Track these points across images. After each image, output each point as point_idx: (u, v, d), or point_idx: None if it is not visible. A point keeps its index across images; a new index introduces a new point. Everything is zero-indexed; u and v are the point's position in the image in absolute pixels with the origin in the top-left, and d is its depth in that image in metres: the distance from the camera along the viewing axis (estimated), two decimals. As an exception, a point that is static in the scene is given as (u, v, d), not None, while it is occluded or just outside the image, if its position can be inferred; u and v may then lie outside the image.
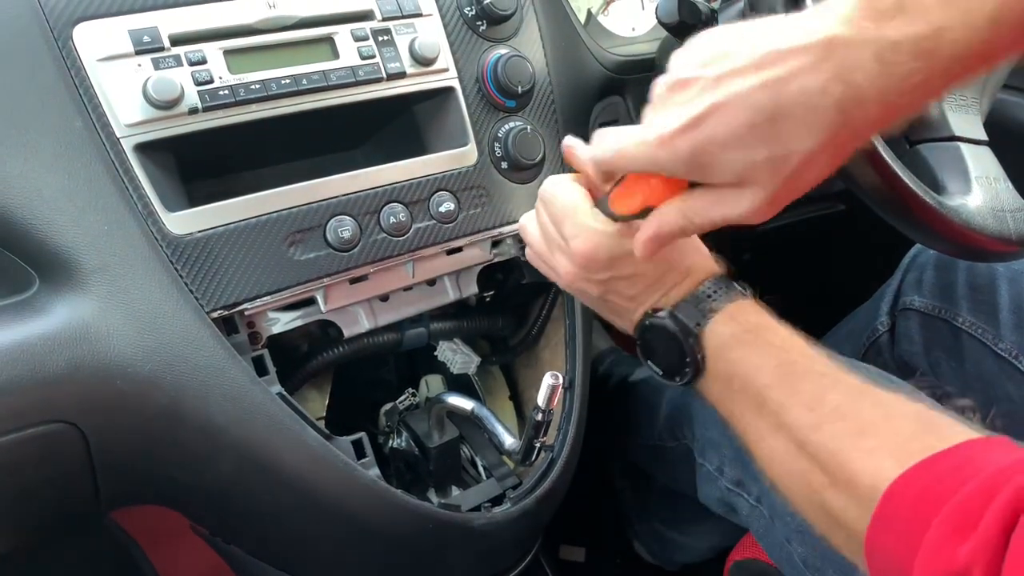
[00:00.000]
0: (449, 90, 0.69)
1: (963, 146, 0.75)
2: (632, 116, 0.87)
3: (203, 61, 0.59)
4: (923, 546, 0.37)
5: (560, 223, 0.58)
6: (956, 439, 0.42)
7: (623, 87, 0.86)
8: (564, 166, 0.75)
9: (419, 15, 0.68)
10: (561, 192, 0.59)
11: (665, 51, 0.82)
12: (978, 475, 0.38)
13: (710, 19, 0.72)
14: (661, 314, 0.56)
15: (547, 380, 0.62)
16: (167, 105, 0.57)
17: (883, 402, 0.47)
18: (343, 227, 0.62)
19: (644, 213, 0.53)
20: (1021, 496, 0.35)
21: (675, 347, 0.55)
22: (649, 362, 0.58)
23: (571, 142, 0.58)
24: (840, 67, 0.43)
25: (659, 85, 0.50)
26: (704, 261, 0.59)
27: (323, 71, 0.63)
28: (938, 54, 0.43)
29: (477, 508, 0.71)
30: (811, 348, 0.53)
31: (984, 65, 0.45)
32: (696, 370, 0.55)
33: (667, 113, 0.48)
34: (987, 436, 0.42)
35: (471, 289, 0.74)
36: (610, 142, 0.52)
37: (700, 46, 0.48)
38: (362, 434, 0.64)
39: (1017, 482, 0.36)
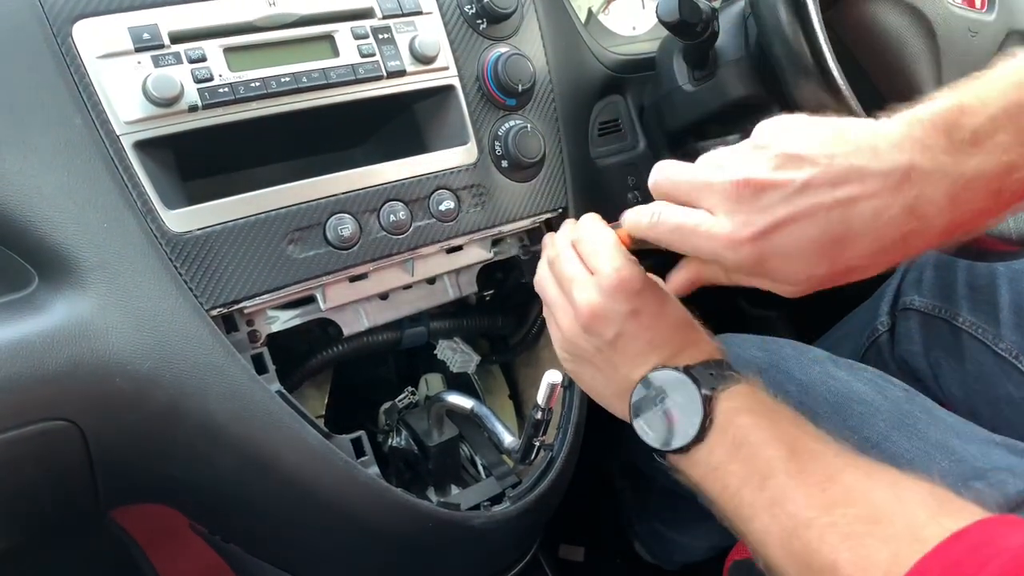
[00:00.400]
0: (449, 88, 0.69)
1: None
2: (632, 115, 0.87)
3: (203, 59, 0.59)
4: None
5: (592, 253, 0.58)
6: (971, 518, 0.41)
7: (623, 86, 0.86)
8: (563, 165, 0.75)
9: (419, 13, 0.68)
10: (597, 229, 0.59)
11: (665, 50, 0.82)
12: (999, 556, 0.37)
13: (711, 18, 0.71)
14: (672, 370, 0.54)
15: (547, 379, 0.62)
16: (167, 103, 0.57)
17: (895, 483, 0.46)
18: (343, 225, 0.62)
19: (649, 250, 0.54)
20: None
21: (687, 404, 0.53)
22: (643, 423, 0.54)
23: (629, 217, 0.56)
24: (914, 200, 0.44)
25: (726, 179, 0.48)
26: (711, 342, 0.58)
27: (323, 69, 0.63)
28: (1005, 192, 0.44)
29: (476, 507, 0.71)
30: (820, 432, 0.51)
31: None
32: (701, 432, 0.51)
33: (739, 215, 0.47)
34: (1000, 515, 0.42)
35: (471, 288, 0.74)
36: (674, 222, 0.50)
37: (782, 145, 0.47)
38: (361, 432, 0.64)
39: None
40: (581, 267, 0.58)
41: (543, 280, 0.61)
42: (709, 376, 0.53)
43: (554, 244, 0.61)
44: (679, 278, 0.55)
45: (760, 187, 0.46)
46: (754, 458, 0.49)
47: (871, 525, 0.44)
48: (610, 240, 0.57)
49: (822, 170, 0.45)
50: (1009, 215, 0.50)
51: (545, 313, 0.62)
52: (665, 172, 0.52)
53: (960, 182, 0.43)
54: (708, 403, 0.52)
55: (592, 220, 0.60)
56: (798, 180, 0.45)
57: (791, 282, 0.48)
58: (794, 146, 0.46)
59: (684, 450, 0.52)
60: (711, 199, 0.48)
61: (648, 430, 0.54)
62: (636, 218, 0.54)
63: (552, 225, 0.75)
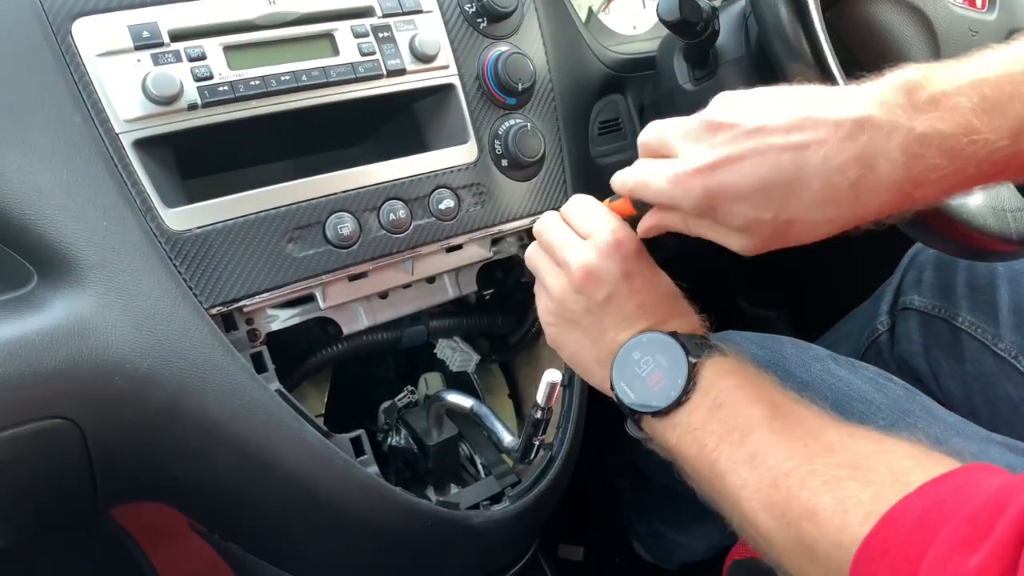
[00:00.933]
0: (449, 87, 0.69)
1: (964, 145, 0.75)
2: (632, 115, 0.87)
3: (203, 57, 0.59)
4: (927, 560, 0.36)
5: (585, 221, 0.58)
6: (953, 466, 0.41)
7: (624, 85, 0.86)
8: (563, 164, 0.75)
9: (419, 12, 0.68)
10: (588, 200, 0.60)
11: (666, 49, 0.82)
12: (980, 495, 0.37)
13: (711, 17, 0.71)
14: (660, 333, 0.55)
15: (547, 378, 0.62)
16: (166, 101, 0.57)
17: (879, 440, 0.46)
18: (342, 224, 0.62)
19: (632, 223, 0.57)
20: None
21: (672, 367, 0.53)
22: (624, 385, 0.54)
23: (615, 181, 0.57)
24: (865, 150, 0.44)
25: (694, 118, 0.50)
26: (696, 318, 0.59)
27: (323, 67, 0.63)
28: (962, 154, 0.43)
29: (476, 506, 0.71)
30: (804, 398, 0.51)
31: (1012, 175, 0.46)
32: (684, 394, 0.52)
33: (691, 152, 0.49)
34: (982, 464, 0.42)
35: (471, 287, 0.74)
36: (638, 172, 0.53)
37: (747, 96, 0.49)
38: (361, 431, 0.64)
39: None
40: (573, 233, 0.59)
41: (533, 252, 0.62)
42: (695, 345, 0.54)
43: (545, 218, 0.62)
44: (645, 222, 0.56)
45: (716, 127, 0.48)
46: (735, 416, 0.50)
47: (853, 470, 0.44)
48: (602, 207, 0.59)
49: (781, 117, 0.46)
50: (979, 189, 0.50)
51: (536, 289, 0.62)
52: (650, 127, 0.54)
53: (913, 136, 0.43)
54: (693, 367, 0.52)
55: (581, 196, 0.61)
56: (754, 122, 0.46)
57: (737, 225, 0.49)
58: (764, 100, 0.48)
59: (664, 412, 0.53)
60: (676, 145, 0.50)
61: (629, 391, 0.54)
62: (620, 179, 0.56)
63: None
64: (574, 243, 0.58)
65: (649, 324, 0.56)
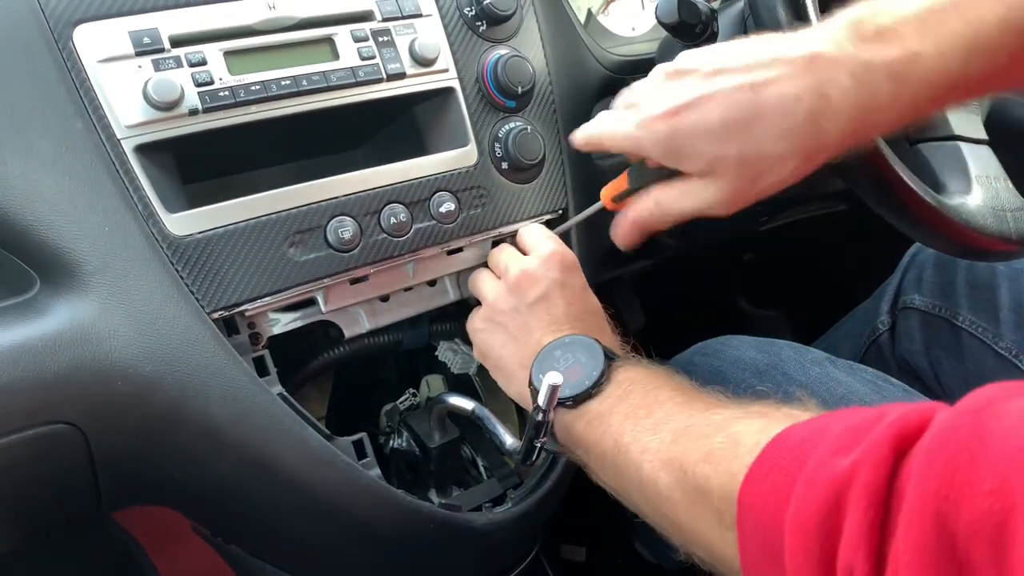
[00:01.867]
0: (449, 90, 0.69)
1: (963, 145, 0.75)
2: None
3: (203, 62, 0.59)
4: (803, 473, 0.36)
5: (531, 241, 0.65)
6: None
7: (623, 87, 0.86)
8: (564, 166, 0.75)
9: (419, 16, 0.68)
10: (538, 226, 0.68)
11: (665, 51, 0.82)
12: (867, 410, 0.38)
13: (710, 19, 0.71)
14: (583, 336, 0.57)
15: (547, 380, 0.62)
16: (167, 106, 0.57)
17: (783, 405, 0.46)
18: (343, 228, 0.62)
19: (623, 196, 0.60)
20: (909, 416, 0.34)
21: (590, 362, 0.56)
22: (542, 377, 0.55)
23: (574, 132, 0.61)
24: (817, 80, 0.47)
25: (657, 70, 0.54)
26: (617, 340, 0.62)
27: (323, 72, 0.63)
28: (910, 79, 0.47)
29: (478, 508, 0.71)
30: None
31: (963, 95, 0.50)
32: (595, 385, 0.54)
33: (655, 97, 0.53)
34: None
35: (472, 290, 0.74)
36: (604, 122, 0.57)
37: (707, 47, 0.52)
38: (363, 434, 0.65)
39: (905, 408, 0.35)
40: (519, 253, 0.65)
41: (477, 272, 0.68)
42: (614, 353, 0.57)
43: (498, 247, 0.68)
44: (621, 222, 0.60)
45: (677, 73, 0.52)
46: (644, 396, 0.52)
47: (747, 413, 0.45)
48: (546, 230, 0.66)
49: (739, 60, 0.49)
50: (934, 112, 0.55)
51: (476, 293, 0.67)
52: (621, 92, 0.58)
53: (861, 64, 0.47)
54: (609, 364, 0.55)
55: (533, 224, 0.68)
56: (713, 65, 0.50)
57: (702, 168, 0.52)
58: (724, 49, 0.52)
59: (576, 401, 0.54)
60: (641, 99, 0.54)
61: (545, 383, 0.55)
62: (586, 131, 0.59)
63: (552, 226, 0.75)
64: (518, 257, 0.64)
65: (574, 332, 0.59)
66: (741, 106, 0.48)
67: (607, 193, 0.63)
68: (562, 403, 0.55)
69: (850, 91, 0.47)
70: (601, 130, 0.57)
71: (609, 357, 0.56)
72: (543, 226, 0.68)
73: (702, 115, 0.49)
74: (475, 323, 0.66)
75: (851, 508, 0.32)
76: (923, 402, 0.35)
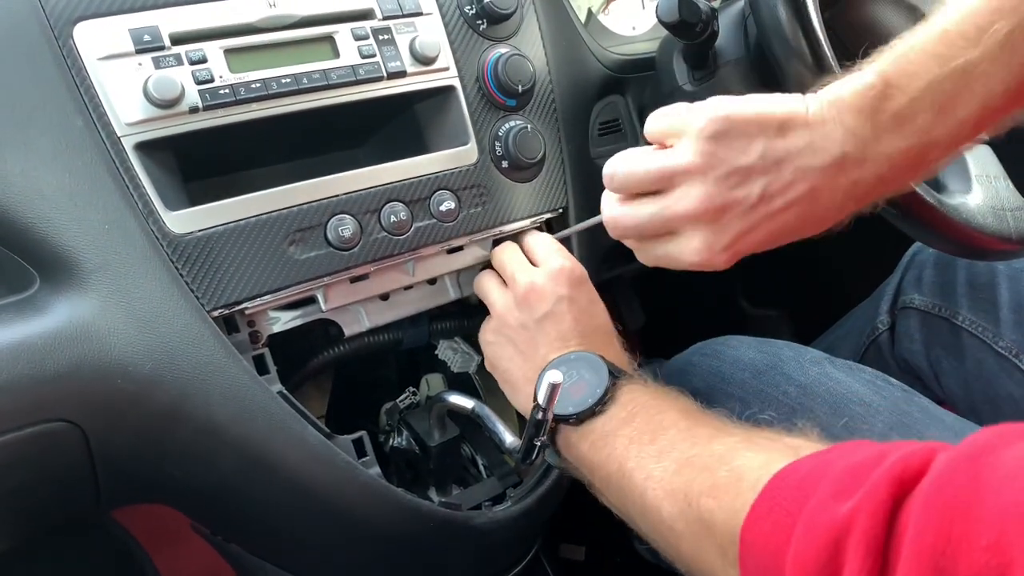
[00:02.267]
0: (449, 89, 0.69)
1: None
2: (632, 115, 0.87)
3: (203, 60, 0.59)
4: (804, 512, 0.36)
5: (540, 252, 0.65)
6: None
7: (623, 86, 0.86)
8: (564, 165, 0.75)
9: (419, 14, 0.68)
10: (546, 236, 0.68)
11: (665, 50, 0.82)
12: (867, 450, 0.38)
13: (710, 18, 0.71)
14: (590, 353, 0.58)
15: (547, 379, 0.62)
16: (167, 104, 0.57)
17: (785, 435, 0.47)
18: (343, 226, 0.62)
19: None
20: (909, 460, 0.34)
21: (594, 380, 0.56)
22: (542, 389, 0.55)
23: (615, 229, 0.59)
24: (850, 185, 0.50)
25: (695, 204, 0.52)
26: (624, 357, 0.63)
27: (323, 70, 0.63)
28: (927, 158, 0.50)
29: (478, 507, 0.71)
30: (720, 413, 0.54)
31: (975, 139, 0.52)
32: (599, 403, 0.55)
33: (708, 235, 0.53)
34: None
35: (471, 288, 0.74)
36: (660, 252, 0.56)
37: (720, 150, 0.51)
38: (363, 433, 0.65)
39: (905, 450, 0.35)
40: (526, 260, 0.65)
41: (484, 274, 0.68)
42: (620, 371, 0.57)
43: (503, 246, 0.68)
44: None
45: (722, 210, 0.52)
46: (647, 422, 0.52)
47: (749, 444, 0.46)
48: (556, 242, 0.66)
49: (772, 179, 0.51)
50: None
51: (483, 298, 0.68)
52: (623, 167, 0.56)
53: (886, 164, 0.49)
54: (614, 383, 0.55)
55: (539, 233, 0.68)
56: (754, 195, 0.51)
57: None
58: (739, 159, 0.51)
59: (580, 419, 0.55)
60: (679, 223, 0.54)
61: (545, 381, 0.56)
62: (632, 243, 0.59)
63: (552, 225, 0.75)
64: (526, 267, 0.64)
65: (580, 348, 0.59)
66: (788, 222, 0.52)
67: None
68: (565, 420, 0.56)
69: (876, 185, 0.51)
70: (669, 262, 0.56)
71: (614, 375, 0.56)
72: (551, 237, 0.68)
73: (757, 240, 0.53)
74: (486, 335, 0.67)
75: (850, 556, 0.32)
76: (925, 443, 0.36)
